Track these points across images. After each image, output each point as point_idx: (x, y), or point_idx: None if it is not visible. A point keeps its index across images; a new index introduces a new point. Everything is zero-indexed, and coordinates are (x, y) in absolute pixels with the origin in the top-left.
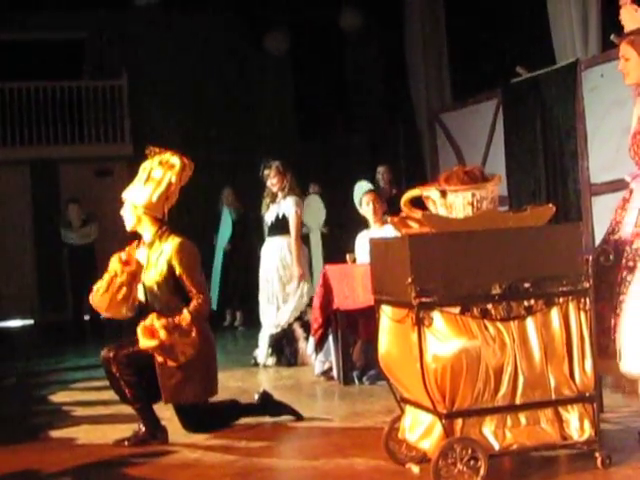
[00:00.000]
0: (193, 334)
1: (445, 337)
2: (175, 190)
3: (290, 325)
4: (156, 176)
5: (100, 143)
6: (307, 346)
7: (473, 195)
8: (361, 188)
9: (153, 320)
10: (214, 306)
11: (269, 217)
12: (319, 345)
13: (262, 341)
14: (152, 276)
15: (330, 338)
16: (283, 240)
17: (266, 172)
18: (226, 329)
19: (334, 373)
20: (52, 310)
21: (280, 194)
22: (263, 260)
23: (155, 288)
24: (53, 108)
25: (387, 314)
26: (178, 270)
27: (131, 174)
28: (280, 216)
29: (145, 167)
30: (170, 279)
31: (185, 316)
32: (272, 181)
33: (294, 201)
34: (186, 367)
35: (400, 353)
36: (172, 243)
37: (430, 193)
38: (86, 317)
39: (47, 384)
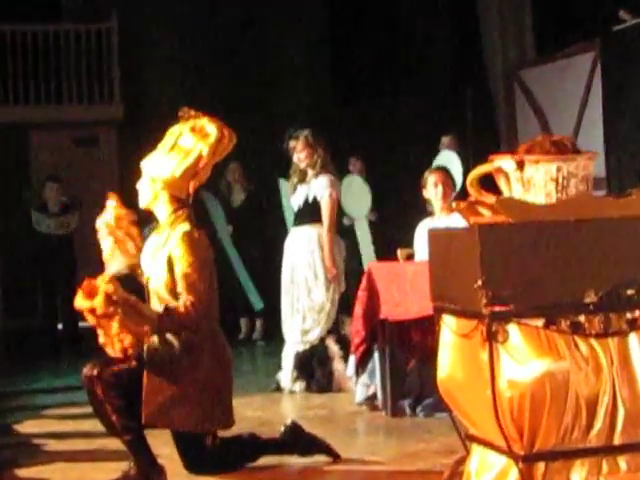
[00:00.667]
0: (148, 332)
1: (524, 357)
2: (207, 166)
3: (322, 340)
4: (185, 145)
5: (82, 104)
6: (345, 367)
7: (558, 169)
8: (450, 160)
9: (103, 281)
10: (260, 305)
11: (296, 200)
12: (361, 365)
13: (286, 361)
14: (154, 273)
15: (375, 356)
16: (313, 230)
17: (292, 143)
18: (242, 343)
19: (379, 401)
20: (17, 315)
21: (310, 172)
22: (287, 255)
23: (157, 290)
24: (23, 59)
25: (450, 326)
26: (175, 266)
27: (121, 143)
28: (310, 199)
29: (173, 132)
30: (171, 280)
31: (152, 313)
32: (299, 155)
33: (328, 181)
34: (182, 384)
35: (466, 377)
36: (178, 231)
37: (502, 163)
38: (60, 325)
39: (11, 410)
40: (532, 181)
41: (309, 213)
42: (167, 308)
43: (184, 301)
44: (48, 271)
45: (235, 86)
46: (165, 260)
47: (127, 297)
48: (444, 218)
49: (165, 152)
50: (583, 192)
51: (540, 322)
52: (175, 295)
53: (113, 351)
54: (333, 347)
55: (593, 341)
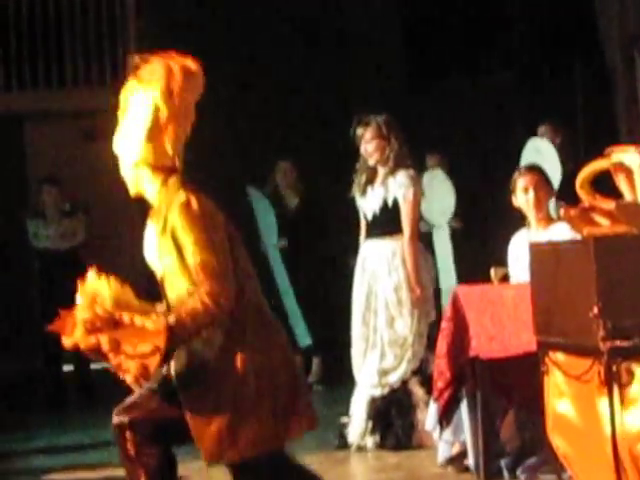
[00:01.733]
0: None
1: None
2: (174, 115)
3: (405, 383)
4: (135, 104)
5: (90, 88)
6: (426, 417)
7: None
8: (539, 152)
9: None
10: (307, 341)
11: (369, 206)
12: (445, 416)
13: (357, 408)
14: (164, 267)
15: (463, 405)
16: (396, 243)
17: (359, 131)
18: None
19: (470, 461)
20: (13, 357)
21: (382, 169)
22: (361, 275)
23: (166, 279)
24: (17, 34)
25: (559, 366)
26: (181, 245)
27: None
28: (390, 203)
29: (124, 92)
30: (181, 263)
31: (150, 322)
32: (367, 146)
33: (408, 177)
34: (232, 398)
35: (581, 430)
36: (176, 203)
37: (625, 157)
38: (67, 367)
39: (4, 475)
40: None
41: (390, 221)
42: (176, 313)
43: (199, 294)
44: (50, 297)
45: (285, 74)
46: (171, 245)
47: (113, 317)
48: (542, 231)
49: (122, 120)
50: None
51: None
52: (188, 282)
53: (134, 384)
54: (418, 392)
55: None
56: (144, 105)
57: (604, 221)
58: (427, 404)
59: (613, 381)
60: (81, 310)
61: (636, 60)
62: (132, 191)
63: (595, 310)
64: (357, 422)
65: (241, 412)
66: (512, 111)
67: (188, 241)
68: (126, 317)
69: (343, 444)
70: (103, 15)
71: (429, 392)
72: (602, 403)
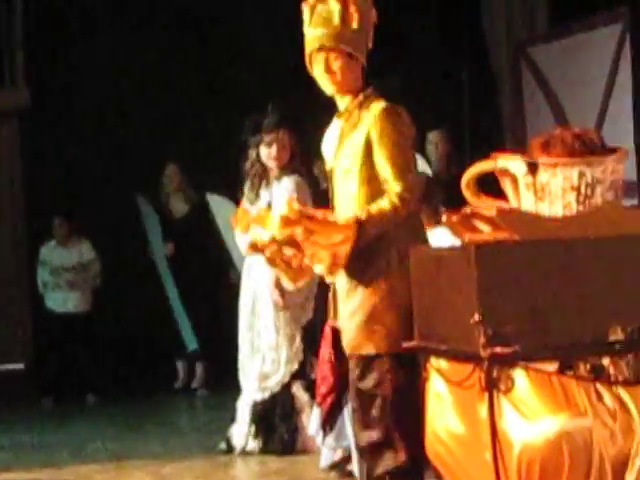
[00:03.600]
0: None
1: (533, 411)
2: None
3: (286, 387)
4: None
5: None
6: (310, 422)
7: (581, 175)
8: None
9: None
10: (194, 345)
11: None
12: (328, 421)
13: (242, 413)
14: (341, 162)
15: (347, 410)
16: None
17: (267, 138)
18: (178, 393)
19: (354, 467)
20: None
21: (273, 173)
22: (247, 280)
23: (344, 181)
24: None
25: (440, 372)
26: (375, 147)
27: (26, 136)
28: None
29: None
30: (366, 166)
31: (348, 220)
32: (270, 151)
33: (294, 183)
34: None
35: (460, 436)
36: (375, 108)
37: (510, 164)
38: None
39: None
40: (547, 188)
41: None
42: (366, 210)
43: (392, 193)
44: None
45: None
46: (361, 144)
47: (307, 212)
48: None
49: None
50: (610, 202)
51: (553, 366)
52: (372, 189)
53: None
54: (302, 396)
55: (621, 390)
56: None
57: (485, 227)
58: (312, 408)
59: (494, 387)
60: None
61: (521, 68)
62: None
63: (476, 316)
64: (241, 426)
65: (380, 307)
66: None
67: (385, 140)
68: (319, 213)
69: (227, 449)
70: None
71: (313, 396)
72: (482, 409)
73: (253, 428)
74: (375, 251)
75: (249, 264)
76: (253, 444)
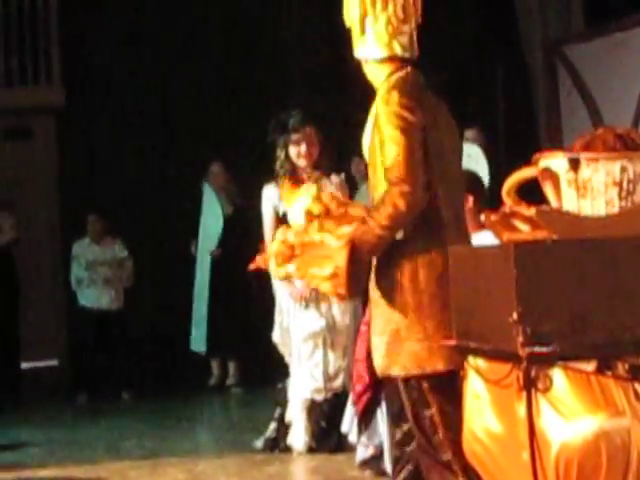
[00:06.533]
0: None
1: (572, 411)
2: None
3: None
4: None
5: (12, 87)
6: (344, 420)
7: (623, 169)
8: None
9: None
10: (202, 347)
11: (298, 212)
12: (364, 419)
13: (297, 414)
14: (369, 161)
15: (380, 409)
16: None
17: (294, 136)
18: (213, 391)
19: (386, 464)
20: None
21: (312, 173)
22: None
23: (371, 176)
24: None
25: (477, 371)
26: (374, 136)
27: (62, 135)
28: None
29: None
30: (379, 159)
31: (336, 238)
32: (300, 149)
33: (341, 180)
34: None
35: (497, 435)
36: (380, 96)
37: (552, 162)
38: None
39: None
40: (589, 185)
41: None
42: (364, 226)
43: (391, 196)
44: None
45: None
46: (377, 142)
47: (303, 240)
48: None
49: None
50: None
51: (592, 366)
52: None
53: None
54: None
55: None
56: None
57: (524, 227)
58: None
59: (532, 387)
60: (274, 244)
61: (557, 68)
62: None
63: (514, 315)
64: (300, 427)
65: (406, 325)
66: None
67: (382, 134)
68: (317, 236)
69: (267, 447)
70: (25, 11)
71: None
72: (520, 408)
73: (313, 427)
74: (391, 262)
75: None
76: (307, 442)
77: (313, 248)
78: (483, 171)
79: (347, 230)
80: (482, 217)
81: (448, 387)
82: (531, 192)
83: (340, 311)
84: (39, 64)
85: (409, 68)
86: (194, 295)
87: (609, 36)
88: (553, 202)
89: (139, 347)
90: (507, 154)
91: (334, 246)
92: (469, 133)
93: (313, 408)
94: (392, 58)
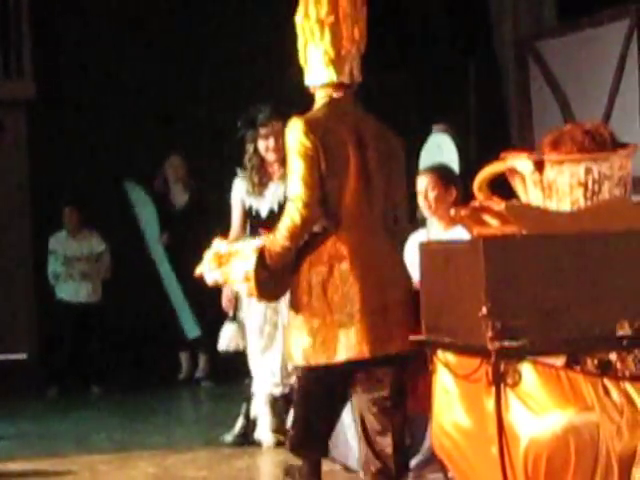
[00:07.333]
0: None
1: (540, 406)
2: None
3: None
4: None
5: None
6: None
7: (588, 171)
8: (440, 148)
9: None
10: (196, 331)
11: (264, 204)
12: None
13: (261, 408)
14: None
15: (349, 405)
16: None
17: (263, 131)
18: (182, 385)
19: (356, 459)
20: None
21: (281, 166)
22: None
23: None
24: None
25: (447, 366)
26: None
27: (34, 129)
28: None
29: None
30: None
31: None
32: (268, 143)
33: None
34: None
35: (466, 429)
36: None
37: (517, 162)
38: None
39: None
40: (554, 186)
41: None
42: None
43: (291, 208)
44: None
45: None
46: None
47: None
48: (442, 232)
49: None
50: (618, 197)
51: (561, 361)
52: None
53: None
54: None
55: (628, 386)
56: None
57: (494, 221)
58: None
59: (501, 381)
60: (208, 253)
61: (528, 63)
62: None
63: (484, 310)
64: (265, 420)
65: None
66: (403, 108)
67: (287, 158)
68: (239, 247)
69: (236, 441)
70: None
71: None
72: (489, 403)
73: (277, 421)
74: (296, 267)
75: None
76: (274, 437)
77: (235, 257)
78: (453, 159)
79: (260, 242)
80: (452, 211)
81: (332, 380)
82: (502, 186)
83: None
84: (10, 58)
85: (337, 93)
86: (166, 288)
87: (581, 31)
88: (522, 197)
89: (115, 340)
90: (478, 149)
91: (247, 254)
92: (437, 128)
93: (276, 402)
94: (329, 85)
